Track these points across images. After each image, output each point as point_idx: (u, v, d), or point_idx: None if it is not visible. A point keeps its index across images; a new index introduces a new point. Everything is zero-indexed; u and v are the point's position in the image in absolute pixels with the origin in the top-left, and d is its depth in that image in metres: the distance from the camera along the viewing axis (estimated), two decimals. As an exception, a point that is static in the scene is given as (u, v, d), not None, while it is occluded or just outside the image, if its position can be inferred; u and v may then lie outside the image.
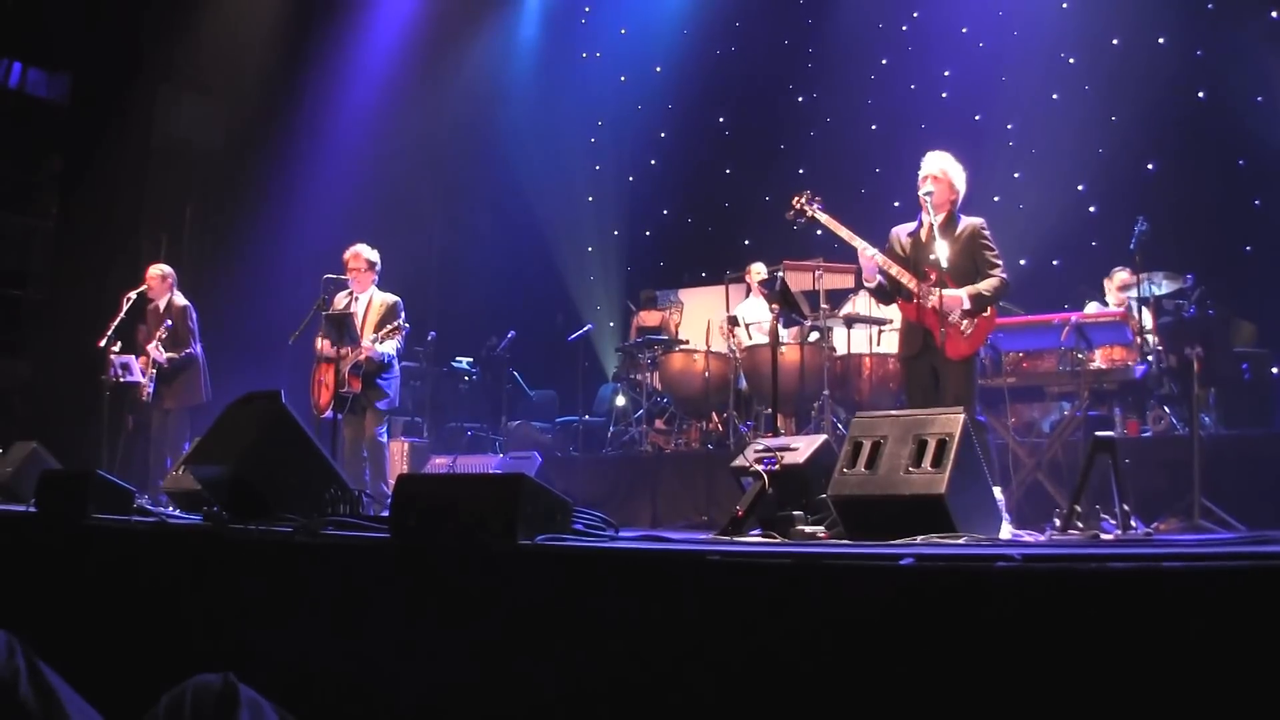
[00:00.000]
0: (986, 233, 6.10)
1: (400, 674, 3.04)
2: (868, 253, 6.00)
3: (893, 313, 7.10)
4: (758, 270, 9.86)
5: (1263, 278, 9.49)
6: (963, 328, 5.89)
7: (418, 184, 13.69)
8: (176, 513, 5.68)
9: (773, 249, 9.61)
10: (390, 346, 8.04)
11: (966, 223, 6.10)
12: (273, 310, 10.29)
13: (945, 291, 5.86)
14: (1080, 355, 7.05)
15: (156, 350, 8.93)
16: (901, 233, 6.24)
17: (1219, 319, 7.82)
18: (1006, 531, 4.57)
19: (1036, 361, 7.34)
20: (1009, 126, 11.29)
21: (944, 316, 5.86)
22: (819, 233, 6.36)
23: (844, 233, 6.11)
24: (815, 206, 6.29)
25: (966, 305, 5.88)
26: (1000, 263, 6.06)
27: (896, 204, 6.30)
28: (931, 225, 6.01)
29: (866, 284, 6.15)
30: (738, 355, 9.12)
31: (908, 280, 5.99)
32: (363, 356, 7.85)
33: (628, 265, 14.03)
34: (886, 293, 6.21)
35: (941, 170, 6.08)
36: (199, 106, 12.49)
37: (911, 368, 6.20)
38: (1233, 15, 10.32)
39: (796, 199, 6.34)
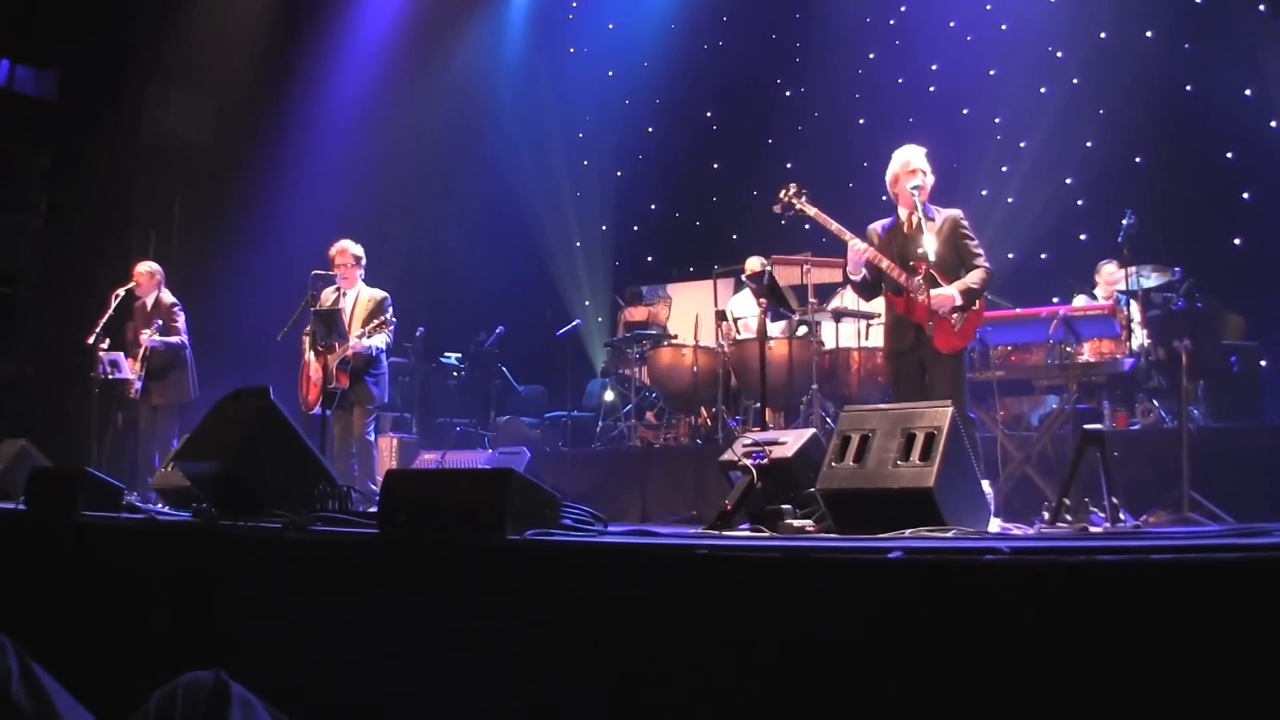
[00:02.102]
0: (965, 223, 6.10)
1: (389, 669, 3.04)
2: (857, 246, 6.00)
3: (880, 306, 7.09)
4: (753, 264, 9.75)
5: (1251, 271, 9.52)
6: (953, 322, 5.90)
7: (406, 180, 13.68)
8: (165, 509, 5.66)
9: (761, 243, 9.57)
10: (380, 340, 8.03)
11: (944, 214, 6.10)
12: (261, 307, 10.26)
13: (935, 291, 5.87)
14: (1069, 348, 7.06)
15: (150, 338, 8.85)
16: (879, 228, 6.21)
17: (1207, 312, 7.82)
18: (995, 525, 4.58)
19: (1025, 355, 7.35)
20: (997, 120, 11.30)
21: (934, 312, 5.87)
22: (807, 226, 6.36)
23: (833, 225, 6.11)
24: (803, 199, 6.29)
25: (959, 302, 5.88)
26: (982, 252, 6.07)
27: (884, 197, 6.29)
28: (913, 218, 6.01)
29: (851, 276, 6.14)
30: (726, 350, 9.10)
31: (897, 274, 5.99)
32: (350, 352, 7.85)
33: (616, 260, 13.99)
34: (870, 286, 6.21)
35: (924, 163, 6.09)
36: (188, 103, 12.44)
37: (900, 363, 6.16)
38: (1221, 8, 10.34)
39: (784, 191, 6.34)
